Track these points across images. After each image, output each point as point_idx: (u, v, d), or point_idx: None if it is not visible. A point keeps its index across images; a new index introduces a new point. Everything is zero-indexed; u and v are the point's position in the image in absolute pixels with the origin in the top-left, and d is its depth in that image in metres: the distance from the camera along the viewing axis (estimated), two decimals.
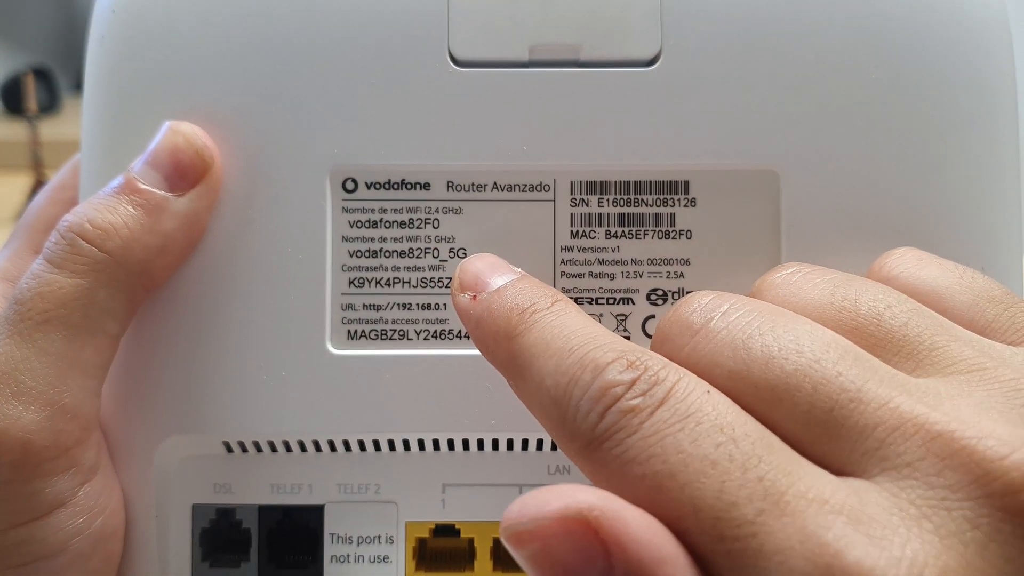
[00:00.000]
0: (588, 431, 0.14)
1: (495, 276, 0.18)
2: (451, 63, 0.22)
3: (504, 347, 0.17)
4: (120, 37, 0.22)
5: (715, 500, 0.13)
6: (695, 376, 0.15)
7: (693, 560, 0.13)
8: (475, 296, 0.18)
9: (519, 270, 0.19)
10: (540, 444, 0.22)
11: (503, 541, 0.14)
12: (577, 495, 0.14)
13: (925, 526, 0.13)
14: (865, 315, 0.16)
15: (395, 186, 0.22)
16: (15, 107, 0.90)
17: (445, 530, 0.23)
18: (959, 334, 0.16)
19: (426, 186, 0.22)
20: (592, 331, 0.16)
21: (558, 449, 0.22)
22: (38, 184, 0.71)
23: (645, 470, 0.14)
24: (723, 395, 0.14)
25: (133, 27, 0.22)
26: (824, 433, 0.14)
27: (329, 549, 0.23)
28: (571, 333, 0.16)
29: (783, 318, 0.15)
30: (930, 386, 0.14)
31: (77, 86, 1.14)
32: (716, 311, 0.16)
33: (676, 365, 0.15)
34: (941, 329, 0.16)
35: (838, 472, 0.14)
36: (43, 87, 0.94)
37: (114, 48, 0.22)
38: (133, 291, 0.20)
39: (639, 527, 0.13)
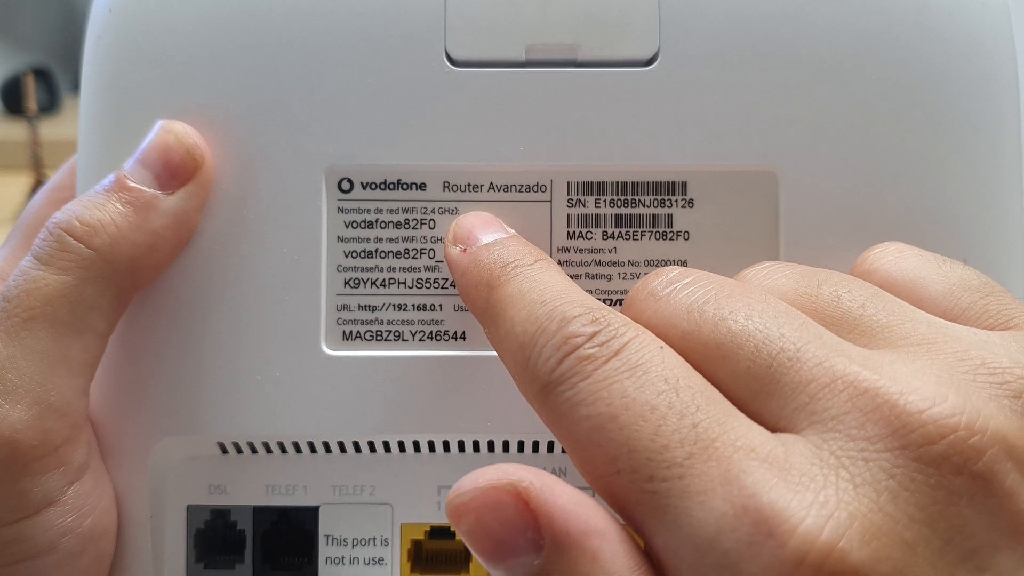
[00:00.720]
0: (546, 375, 0.15)
1: (487, 232, 0.20)
2: (448, 63, 0.22)
3: (484, 296, 0.18)
4: (116, 37, 0.22)
5: (649, 441, 0.14)
6: (653, 335, 0.16)
7: (623, 535, 0.14)
8: (465, 249, 0.19)
9: (511, 230, 0.20)
10: (536, 446, 0.22)
11: (448, 519, 0.15)
12: (510, 469, 0.15)
13: (842, 475, 0.13)
14: (825, 299, 0.17)
15: (391, 186, 0.22)
16: (15, 107, 0.89)
17: (440, 532, 0.23)
18: (917, 315, 0.16)
19: (422, 186, 0.22)
20: (566, 289, 0.17)
21: (554, 451, 0.22)
22: (38, 184, 0.70)
23: (590, 411, 0.14)
24: (675, 352, 0.15)
25: (129, 27, 0.22)
26: (762, 389, 0.15)
27: (324, 551, 0.22)
28: (546, 288, 0.17)
29: (740, 288, 0.16)
30: (874, 354, 0.15)
31: (77, 86, 1.12)
32: (680, 282, 0.17)
33: (637, 324, 0.16)
34: (898, 310, 0.16)
35: (772, 428, 0.14)
36: (43, 87, 0.94)
37: (110, 48, 0.22)
38: (121, 288, 0.20)
39: (568, 499, 0.14)
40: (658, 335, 0.16)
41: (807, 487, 0.13)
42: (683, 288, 0.16)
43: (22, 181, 0.72)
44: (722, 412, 0.14)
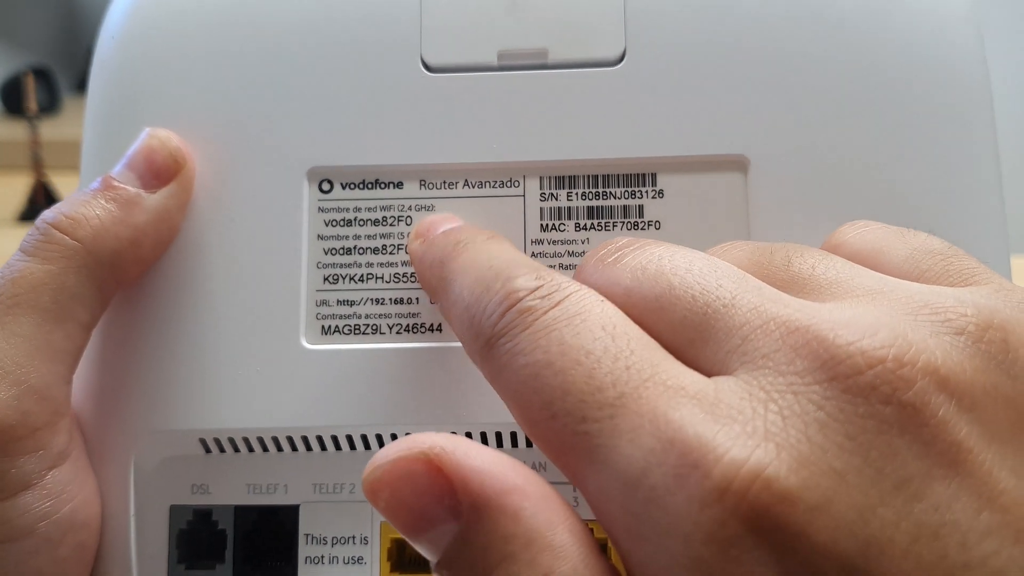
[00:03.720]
0: (489, 329, 0.15)
1: (445, 224, 0.20)
2: (423, 69, 0.23)
3: (437, 273, 0.18)
4: (118, 61, 0.24)
5: (584, 384, 0.14)
6: (596, 292, 0.16)
7: (544, 490, 0.14)
8: (424, 240, 0.20)
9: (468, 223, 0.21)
10: (515, 440, 0.22)
11: (367, 499, 0.14)
12: (419, 438, 0.14)
13: (771, 408, 0.13)
14: (777, 263, 0.17)
15: (369, 185, 0.23)
16: (15, 107, 0.90)
17: None
18: (868, 273, 0.16)
19: (399, 185, 0.23)
20: (515, 255, 0.17)
21: (534, 446, 0.22)
22: (38, 184, 0.72)
23: (528, 360, 0.14)
24: (615, 306, 0.15)
25: (129, 51, 0.24)
26: (698, 336, 0.15)
27: (304, 550, 0.22)
28: (497, 256, 0.17)
29: (686, 250, 0.16)
30: (813, 303, 0.15)
31: (77, 86, 1.16)
32: (628, 248, 0.17)
33: (580, 283, 0.16)
34: (849, 268, 0.16)
35: (708, 373, 0.14)
36: (43, 87, 0.95)
37: (113, 71, 0.24)
38: (103, 280, 0.21)
39: (482, 460, 0.14)
40: (602, 294, 0.16)
41: (735, 419, 0.13)
42: (630, 252, 0.17)
43: (22, 181, 0.73)
44: (656, 356, 0.14)
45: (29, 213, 0.71)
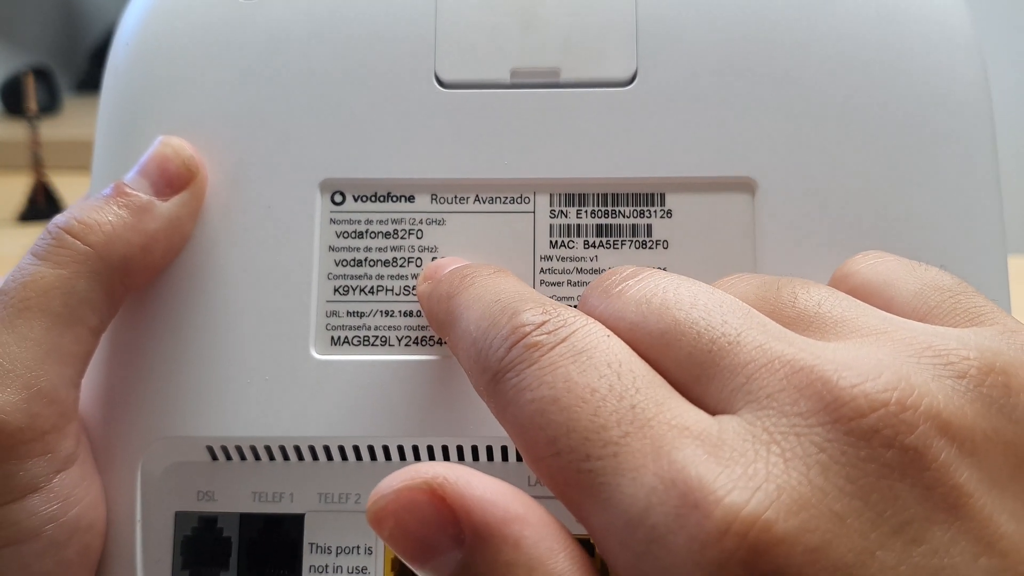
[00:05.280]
0: (496, 363, 0.16)
1: (452, 265, 0.20)
2: (437, 84, 0.23)
3: (444, 307, 0.18)
4: (132, 68, 0.24)
5: (588, 421, 0.14)
6: (602, 325, 0.16)
7: (546, 519, 0.14)
8: (431, 282, 0.20)
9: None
10: (520, 455, 0.22)
11: (371, 528, 0.15)
12: (422, 468, 0.15)
13: (773, 449, 0.13)
14: (783, 299, 0.17)
15: (381, 198, 0.23)
16: (15, 107, 0.89)
17: None
18: (872, 311, 0.16)
19: (411, 198, 0.23)
20: (522, 289, 0.17)
21: None
22: (38, 184, 0.71)
23: (535, 395, 0.15)
24: (621, 341, 0.15)
25: (144, 58, 0.24)
26: (703, 373, 0.15)
27: (308, 559, 0.22)
28: (503, 290, 0.17)
29: (691, 283, 0.16)
30: (818, 342, 0.15)
31: (77, 86, 1.15)
32: (632, 279, 0.17)
33: (587, 316, 0.16)
34: (854, 307, 0.16)
35: (712, 411, 0.14)
36: (43, 87, 0.94)
37: (127, 78, 0.24)
38: (113, 285, 0.21)
39: (485, 489, 0.14)
40: (608, 327, 0.16)
41: (737, 461, 0.13)
42: (634, 284, 0.17)
43: (22, 181, 0.72)
44: (661, 394, 0.14)
45: (29, 213, 0.71)
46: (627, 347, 0.15)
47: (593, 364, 0.15)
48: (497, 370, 0.15)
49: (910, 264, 0.18)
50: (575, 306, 0.22)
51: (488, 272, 0.19)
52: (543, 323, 0.15)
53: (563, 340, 0.15)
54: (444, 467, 0.15)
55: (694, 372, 0.15)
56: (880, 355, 0.14)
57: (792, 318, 0.16)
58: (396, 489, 0.14)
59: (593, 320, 0.16)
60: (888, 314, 0.16)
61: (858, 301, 0.17)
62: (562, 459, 0.14)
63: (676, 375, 0.15)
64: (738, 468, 0.13)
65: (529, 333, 0.15)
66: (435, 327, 0.19)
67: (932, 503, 0.13)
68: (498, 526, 0.14)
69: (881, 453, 0.13)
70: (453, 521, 0.14)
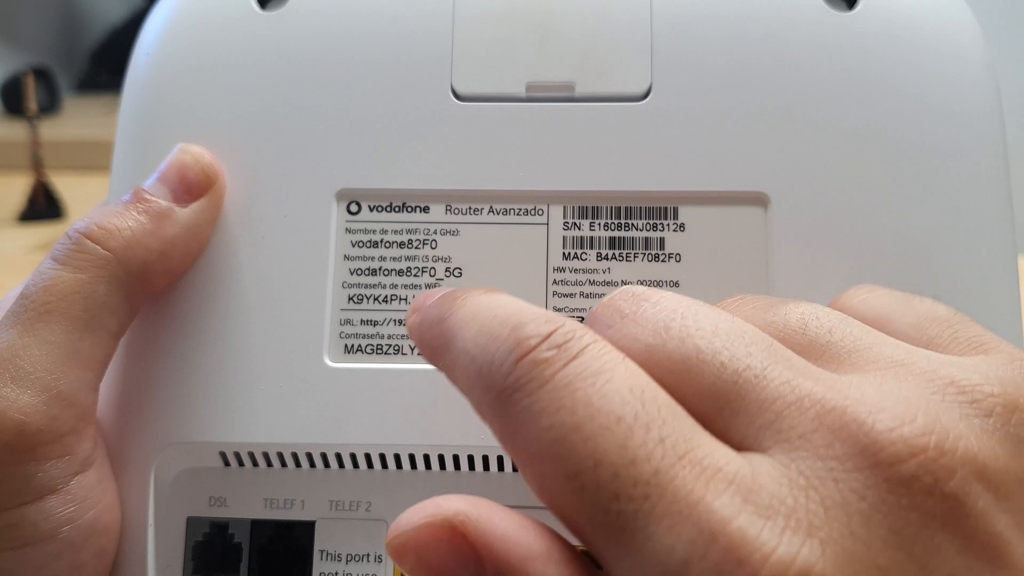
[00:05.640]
0: (500, 381, 0.14)
1: (439, 294, 0.19)
2: (453, 97, 0.23)
3: (436, 330, 0.17)
4: (153, 77, 0.24)
5: (617, 455, 0.13)
6: (613, 346, 0.15)
7: (568, 554, 0.14)
8: (420, 312, 0.18)
9: None
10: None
11: (391, 558, 0.15)
12: (443, 503, 0.14)
13: (812, 496, 0.13)
14: (793, 326, 0.16)
15: (396, 209, 0.23)
16: (15, 107, 0.89)
17: None
18: (884, 340, 0.16)
19: (425, 209, 0.23)
20: (522, 304, 0.16)
21: None
22: (38, 184, 0.71)
23: (552, 421, 0.14)
24: (637, 365, 0.15)
25: (164, 68, 0.24)
26: (727, 407, 0.14)
27: (318, 566, 0.23)
28: (499, 306, 0.16)
29: (708, 309, 0.16)
30: (841, 377, 0.15)
31: (77, 86, 1.15)
32: (647, 300, 0.16)
33: (595, 332, 0.15)
34: (866, 335, 0.16)
35: (738, 447, 0.14)
36: (43, 87, 0.94)
37: (147, 87, 0.24)
38: (132, 291, 0.21)
39: (506, 526, 0.14)
40: (621, 349, 0.15)
41: (777, 511, 0.13)
42: (650, 307, 0.16)
43: (22, 181, 0.72)
44: (687, 428, 0.14)
45: (29, 213, 0.71)
46: (643, 371, 0.14)
47: (614, 387, 0.14)
48: (503, 388, 0.14)
49: (904, 296, 0.18)
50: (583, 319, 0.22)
51: (481, 291, 0.17)
52: (550, 334, 0.14)
53: (575, 357, 0.14)
54: (465, 503, 0.14)
55: (718, 404, 0.14)
56: (906, 393, 0.14)
57: (804, 347, 0.16)
58: (417, 526, 0.14)
59: (604, 340, 0.15)
60: (900, 342, 0.16)
61: (867, 328, 0.16)
62: (586, 496, 0.13)
63: (697, 406, 0.14)
64: (780, 520, 0.12)
65: (536, 347, 0.14)
66: (428, 355, 0.17)
67: (974, 554, 0.13)
68: (520, 563, 0.14)
69: (922, 501, 0.13)
70: (475, 559, 0.14)
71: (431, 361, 0.17)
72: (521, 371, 0.14)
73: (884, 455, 0.13)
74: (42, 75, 0.97)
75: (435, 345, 0.17)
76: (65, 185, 0.74)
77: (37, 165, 0.72)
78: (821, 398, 0.14)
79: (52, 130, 0.80)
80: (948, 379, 0.14)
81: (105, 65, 1.15)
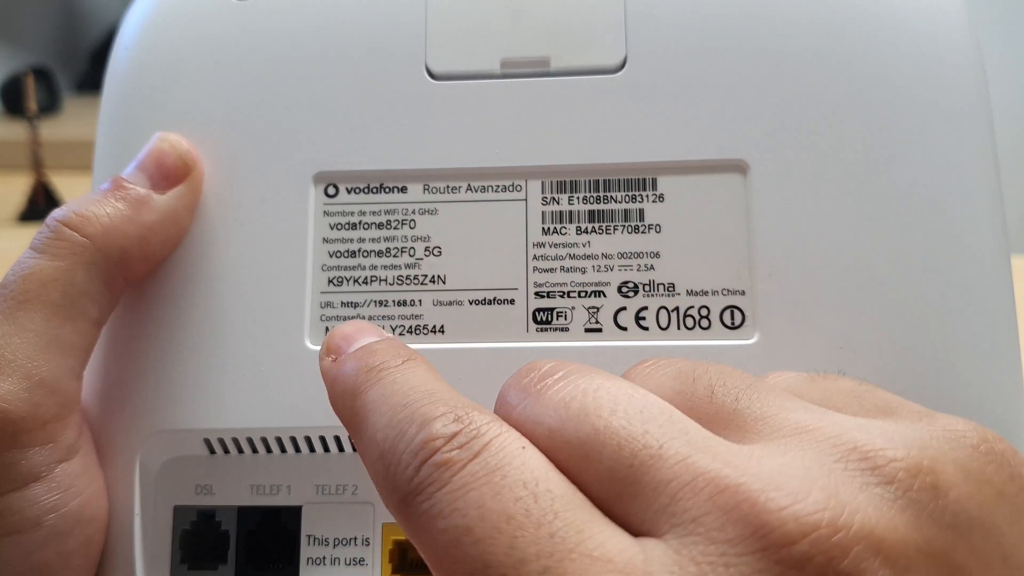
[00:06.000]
0: (405, 484, 0.15)
1: (359, 339, 0.19)
2: (428, 76, 0.23)
3: (349, 405, 0.17)
4: (131, 70, 0.24)
5: (505, 557, 0.13)
6: (517, 433, 0.15)
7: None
8: (336, 359, 0.18)
9: (388, 334, 0.19)
10: None
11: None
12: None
13: None
14: (700, 395, 0.16)
15: (374, 190, 0.23)
16: (15, 107, 0.89)
17: None
18: (793, 404, 0.15)
19: (403, 189, 0.23)
20: (433, 387, 0.16)
21: None
22: (38, 184, 0.71)
23: (447, 524, 0.14)
24: (538, 452, 0.15)
25: (142, 61, 0.24)
26: (625, 490, 0.14)
27: (306, 551, 0.23)
28: (411, 389, 0.16)
29: (612, 382, 0.15)
30: (742, 449, 0.14)
31: (77, 86, 1.15)
32: (551, 376, 0.16)
33: (502, 422, 0.15)
34: (773, 401, 0.16)
35: (636, 531, 0.14)
36: (43, 87, 0.94)
37: (127, 79, 0.25)
38: (111, 277, 0.21)
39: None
40: (525, 433, 0.15)
41: None
42: (554, 383, 0.16)
43: (22, 181, 0.72)
44: (581, 519, 0.14)
45: (29, 213, 0.71)
46: (544, 460, 0.15)
47: (507, 484, 0.14)
48: (407, 492, 0.15)
49: (808, 376, 0.18)
50: (580, 293, 0.22)
51: (395, 363, 0.17)
52: (455, 434, 0.15)
53: (476, 455, 0.14)
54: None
55: (616, 488, 0.14)
56: (806, 462, 0.14)
57: (710, 416, 0.16)
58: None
59: (508, 428, 0.15)
60: (809, 405, 0.16)
61: (777, 392, 0.16)
62: None
63: (597, 490, 0.14)
64: None
65: (439, 449, 0.14)
66: (341, 421, 0.18)
67: None
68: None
69: None
70: None
71: (346, 428, 0.18)
72: (424, 474, 0.14)
73: (775, 536, 0.12)
74: (42, 75, 0.98)
75: (346, 418, 0.17)
76: (65, 185, 0.74)
77: (37, 165, 0.72)
78: (715, 476, 0.13)
79: (52, 130, 0.80)
80: (851, 444, 0.14)
81: (105, 65, 1.15)
